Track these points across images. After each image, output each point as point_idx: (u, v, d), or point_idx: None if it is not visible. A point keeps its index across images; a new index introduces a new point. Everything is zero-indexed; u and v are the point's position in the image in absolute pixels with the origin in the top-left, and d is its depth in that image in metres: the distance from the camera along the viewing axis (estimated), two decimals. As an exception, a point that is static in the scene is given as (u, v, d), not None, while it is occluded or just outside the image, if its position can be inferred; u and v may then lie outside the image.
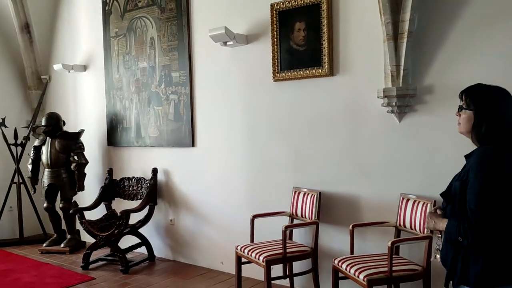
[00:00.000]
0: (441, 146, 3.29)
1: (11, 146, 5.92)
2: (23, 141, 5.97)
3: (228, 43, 4.24)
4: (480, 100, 1.89)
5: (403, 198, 3.41)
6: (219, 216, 4.62)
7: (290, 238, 3.93)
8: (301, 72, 3.92)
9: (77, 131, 5.54)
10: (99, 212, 5.14)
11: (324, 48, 3.77)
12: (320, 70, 3.81)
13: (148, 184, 5.01)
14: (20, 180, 5.93)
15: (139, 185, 5.12)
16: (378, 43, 3.44)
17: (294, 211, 3.97)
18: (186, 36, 4.74)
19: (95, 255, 4.94)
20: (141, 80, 5.20)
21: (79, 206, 5.02)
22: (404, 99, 3.36)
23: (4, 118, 5.94)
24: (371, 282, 2.92)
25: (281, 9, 4.01)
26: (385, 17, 3.30)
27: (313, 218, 3.73)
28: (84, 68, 5.82)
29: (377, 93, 3.45)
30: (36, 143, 5.66)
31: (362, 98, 3.64)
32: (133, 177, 5.19)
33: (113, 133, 5.53)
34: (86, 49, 5.81)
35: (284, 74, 4.03)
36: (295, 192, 3.98)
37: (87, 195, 5.55)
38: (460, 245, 1.81)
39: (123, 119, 5.40)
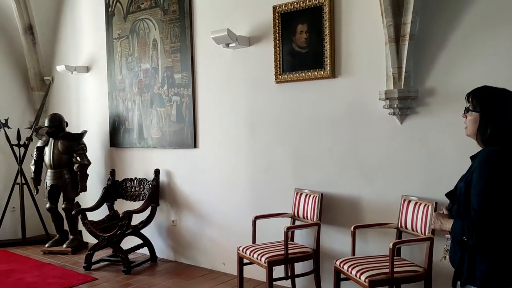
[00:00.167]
0: (443, 148, 3.31)
1: (14, 147, 5.95)
2: (26, 142, 6.00)
3: (230, 45, 4.26)
4: (486, 102, 1.91)
5: (404, 200, 3.42)
6: (221, 217, 4.63)
7: (292, 239, 3.95)
8: (303, 74, 3.94)
9: (79, 132, 5.56)
10: (101, 213, 5.17)
11: (326, 50, 3.79)
12: (322, 72, 3.83)
13: (150, 185, 5.03)
14: (23, 181, 5.95)
15: (141, 186, 5.14)
16: (380, 45, 3.46)
17: (296, 212, 3.98)
18: (189, 38, 4.77)
19: (97, 255, 4.95)
20: (144, 82, 5.22)
21: (81, 207, 5.04)
22: (406, 101, 3.37)
23: (7, 119, 5.97)
24: (373, 283, 2.93)
25: (283, 12, 4.03)
26: (387, 20, 3.32)
27: (314, 220, 3.74)
28: (87, 69, 5.85)
29: (379, 95, 3.47)
30: (39, 144, 5.68)
31: (364, 100, 3.65)
32: (136, 178, 5.21)
33: (116, 134, 5.55)
34: (89, 51, 5.84)
35: (286, 76, 4.05)
36: (297, 193, 4.00)
37: (89, 196, 5.57)
38: (465, 245, 1.83)
39: (126, 120, 5.43)
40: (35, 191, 5.79)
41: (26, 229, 5.98)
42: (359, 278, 3.00)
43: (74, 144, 5.43)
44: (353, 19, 3.69)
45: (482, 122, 1.89)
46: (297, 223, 3.96)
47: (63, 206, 5.50)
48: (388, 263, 3.01)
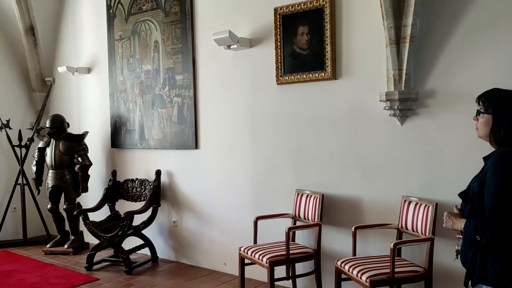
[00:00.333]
0: (443, 149, 3.33)
1: (16, 148, 5.97)
2: (27, 143, 6.02)
3: (232, 47, 4.28)
4: (498, 104, 1.94)
5: (405, 201, 3.44)
6: (222, 218, 4.65)
7: (293, 239, 3.97)
8: (304, 76, 3.96)
9: (81, 133, 5.58)
10: (102, 214, 5.19)
11: (327, 52, 3.81)
12: (323, 74, 3.85)
13: (151, 186, 5.05)
14: (24, 182, 5.97)
15: (142, 187, 5.16)
16: (381, 47, 3.48)
17: (297, 213, 4.00)
18: (190, 39, 4.79)
19: (98, 256, 4.97)
20: (145, 83, 5.24)
21: (83, 208, 5.05)
22: (406, 102, 3.40)
23: (9, 120, 5.99)
24: (374, 283, 2.95)
25: (285, 13, 4.05)
26: (387, 22, 3.35)
27: (315, 220, 3.76)
28: (88, 70, 5.87)
29: (379, 96, 3.49)
30: (40, 144, 5.70)
31: (365, 101, 3.68)
32: (137, 179, 5.23)
33: (117, 135, 5.57)
34: (90, 52, 5.86)
35: (287, 78, 4.07)
36: (298, 194, 4.02)
37: (91, 197, 5.59)
38: (478, 244, 1.86)
39: (127, 121, 5.45)
40: (37, 191, 5.81)
41: (27, 230, 6.00)
42: (360, 278, 3.03)
43: (76, 145, 5.45)
44: (354, 21, 3.71)
45: (495, 124, 1.93)
46: (298, 223, 3.98)
47: (64, 206, 5.52)
48: (388, 263, 3.04)
